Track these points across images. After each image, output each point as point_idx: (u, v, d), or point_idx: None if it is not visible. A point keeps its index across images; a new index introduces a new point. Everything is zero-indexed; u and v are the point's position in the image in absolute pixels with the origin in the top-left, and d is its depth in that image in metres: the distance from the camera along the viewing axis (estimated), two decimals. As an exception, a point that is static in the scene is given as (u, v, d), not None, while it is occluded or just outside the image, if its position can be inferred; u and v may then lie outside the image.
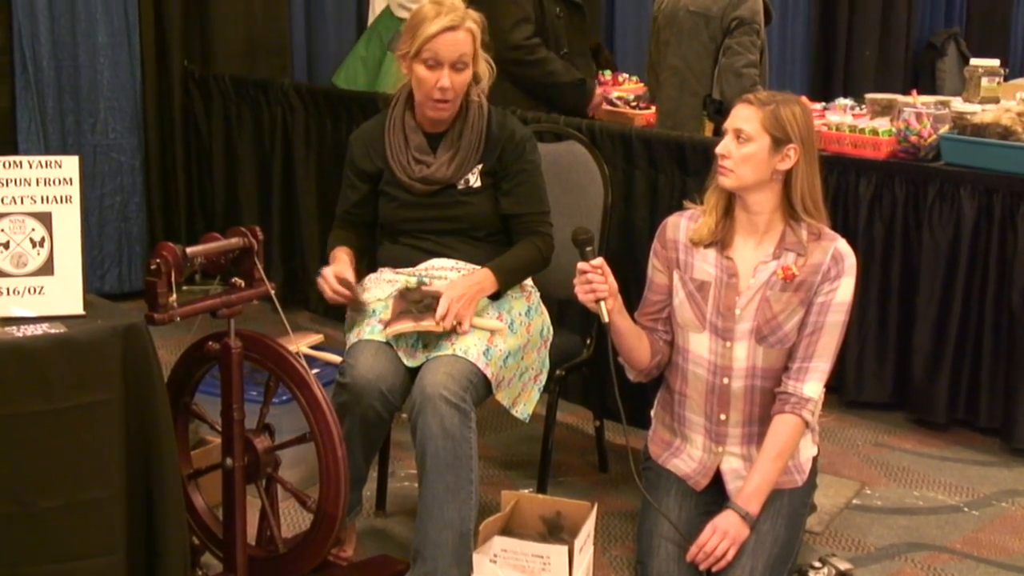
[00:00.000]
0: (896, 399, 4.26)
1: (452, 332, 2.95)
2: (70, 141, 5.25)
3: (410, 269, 3.12)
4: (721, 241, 2.95)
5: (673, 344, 3.05)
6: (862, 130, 4.19)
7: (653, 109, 4.95)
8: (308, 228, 5.17)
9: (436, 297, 2.95)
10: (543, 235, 3.18)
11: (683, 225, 3.01)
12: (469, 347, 2.93)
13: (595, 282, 2.84)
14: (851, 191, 4.15)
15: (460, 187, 3.13)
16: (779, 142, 2.82)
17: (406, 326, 2.95)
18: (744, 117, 2.85)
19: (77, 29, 5.20)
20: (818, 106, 4.79)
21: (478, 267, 3.10)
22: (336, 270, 3.07)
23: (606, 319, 2.86)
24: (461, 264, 3.11)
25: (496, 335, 2.99)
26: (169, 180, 5.62)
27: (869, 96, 4.56)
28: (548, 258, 3.20)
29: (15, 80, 5.07)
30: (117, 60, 5.33)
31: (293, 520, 3.35)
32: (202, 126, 5.56)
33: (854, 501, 3.64)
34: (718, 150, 2.88)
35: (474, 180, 3.13)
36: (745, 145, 2.84)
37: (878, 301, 4.17)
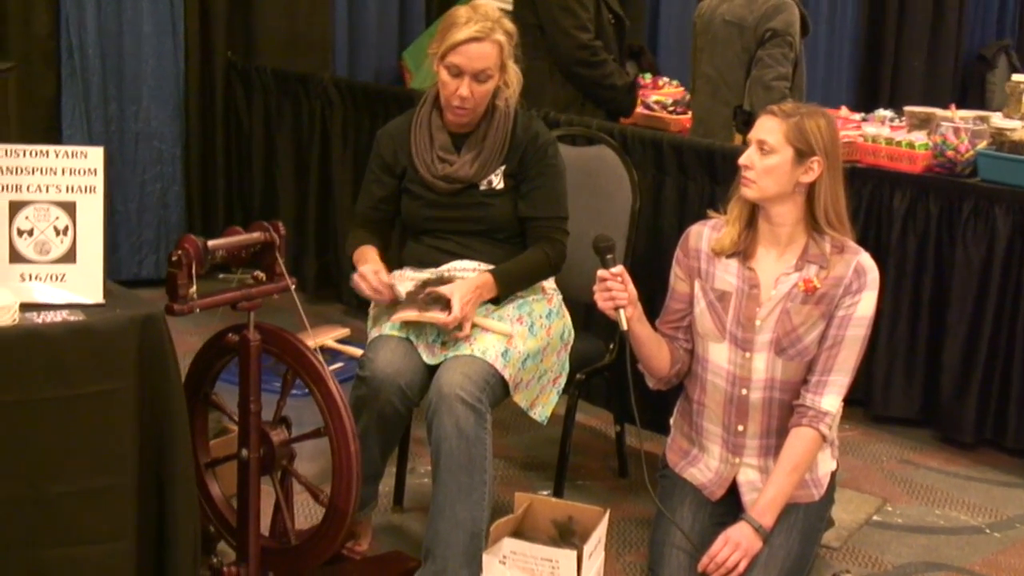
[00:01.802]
0: (923, 416, 4.23)
1: (458, 330, 2.96)
2: (113, 128, 5.33)
3: (432, 270, 3.14)
4: (743, 251, 2.94)
5: (693, 353, 3.04)
6: (898, 143, 4.16)
7: (689, 115, 4.94)
8: (343, 222, 5.19)
9: (442, 294, 2.96)
10: (555, 241, 3.17)
11: (706, 234, 3.00)
12: (487, 348, 2.94)
13: (615, 290, 2.84)
14: (885, 204, 4.12)
15: (482, 188, 3.13)
16: (802, 154, 2.81)
17: (410, 314, 2.98)
18: (767, 129, 2.84)
19: (123, 18, 5.27)
20: (857, 117, 4.77)
21: (496, 269, 3.11)
22: (374, 268, 3.07)
23: (625, 327, 2.86)
24: (483, 266, 3.11)
25: (513, 336, 3.00)
26: (208, 170, 5.69)
27: (908, 109, 4.53)
28: (557, 265, 3.19)
29: (61, 67, 5.15)
30: (161, 49, 5.40)
31: (311, 512, 3.37)
32: (243, 117, 5.61)
33: (874, 517, 3.62)
34: (741, 161, 2.87)
35: (497, 182, 3.14)
36: (768, 157, 2.82)
37: (909, 316, 4.14)
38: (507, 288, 3.09)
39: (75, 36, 5.13)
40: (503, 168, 3.14)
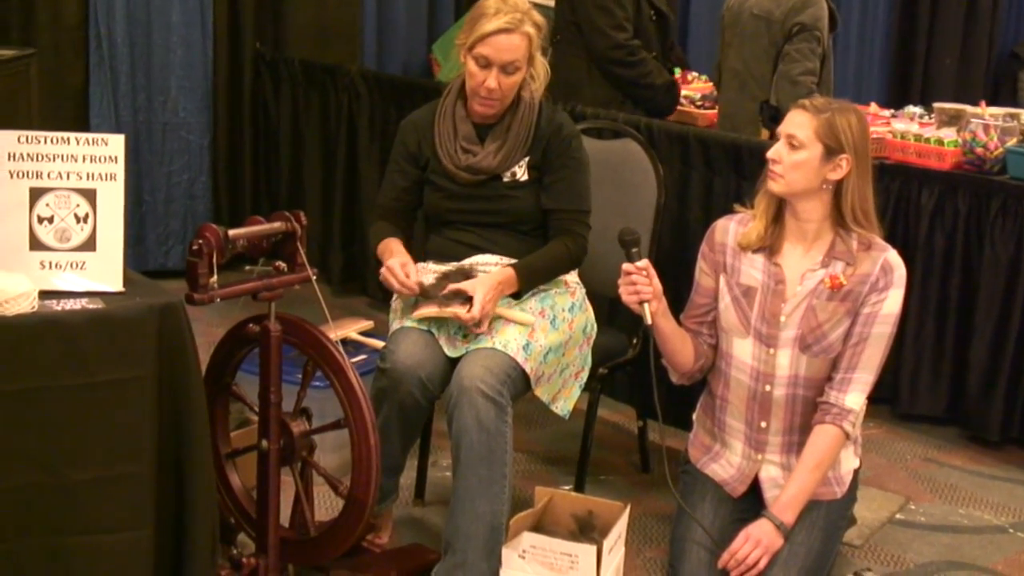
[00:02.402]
0: (950, 414, 4.19)
1: (477, 325, 2.95)
2: (141, 118, 5.33)
3: (455, 264, 3.12)
4: (770, 247, 2.92)
5: (717, 348, 3.02)
6: (927, 139, 4.12)
7: (717, 109, 4.92)
8: (369, 215, 5.16)
9: (463, 290, 2.95)
10: (576, 235, 3.14)
11: (732, 229, 2.98)
12: (509, 341, 2.92)
13: (639, 284, 2.82)
14: (913, 201, 4.08)
15: (506, 179, 3.12)
16: (831, 151, 2.78)
17: (431, 311, 2.97)
18: (798, 123, 2.81)
19: (152, 7, 5.27)
20: (886, 113, 4.73)
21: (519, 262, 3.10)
22: (402, 262, 3.03)
23: (649, 321, 2.84)
24: (505, 260, 3.09)
25: (536, 329, 2.98)
26: (236, 161, 5.68)
27: (937, 105, 4.48)
28: (578, 259, 3.17)
29: (89, 56, 5.16)
30: (190, 40, 5.39)
31: (332, 504, 3.37)
32: (271, 109, 5.61)
33: (897, 516, 3.59)
34: (769, 154, 2.85)
35: (521, 173, 3.12)
36: (797, 152, 2.80)
37: (936, 314, 4.11)
38: (528, 283, 3.07)
39: (103, 26, 5.13)
40: (527, 160, 3.12)
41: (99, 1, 5.11)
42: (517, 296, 3.07)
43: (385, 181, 3.27)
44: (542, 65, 3.12)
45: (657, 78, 4.61)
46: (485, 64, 3.01)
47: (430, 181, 3.17)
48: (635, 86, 4.58)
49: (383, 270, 3.04)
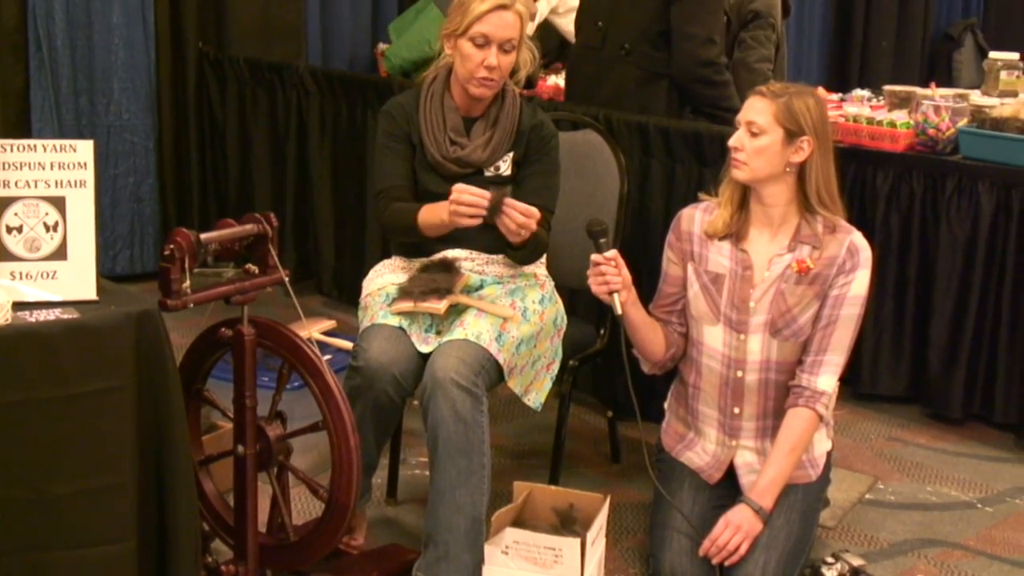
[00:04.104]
0: (911, 393, 4.23)
1: (459, 317, 2.93)
2: (84, 121, 5.24)
3: (425, 259, 3.09)
4: (736, 233, 2.93)
5: (688, 336, 3.03)
6: (880, 122, 4.15)
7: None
8: (322, 212, 5.15)
9: (444, 284, 2.93)
10: (539, 233, 3.08)
11: (698, 217, 2.99)
12: (481, 332, 2.90)
13: (609, 274, 2.83)
14: (868, 184, 4.12)
15: (489, 174, 3.09)
16: (792, 135, 2.80)
17: (406, 305, 2.94)
18: (757, 109, 2.83)
19: (91, 8, 5.18)
20: (835, 97, 4.77)
21: (492, 256, 3.08)
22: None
23: (619, 311, 2.85)
24: (475, 254, 3.07)
25: (508, 321, 2.96)
26: (183, 162, 5.61)
27: (887, 88, 4.52)
28: (542, 253, 3.15)
29: (29, 60, 5.05)
30: (132, 40, 5.31)
31: (304, 507, 3.34)
32: (216, 108, 5.54)
33: (867, 496, 3.62)
34: (731, 142, 2.86)
35: (505, 168, 3.10)
36: (758, 138, 2.81)
37: (894, 294, 4.15)
38: (524, 258, 3.07)
39: (43, 28, 5.02)
40: (511, 155, 3.10)
41: (38, 3, 5.00)
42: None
43: (384, 167, 3.12)
44: (529, 51, 3.10)
45: (736, 102, 4.09)
46: (484, 43, 2.98)
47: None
48: (715, 107, 4.14)
49: (454, 199, 2.82)
